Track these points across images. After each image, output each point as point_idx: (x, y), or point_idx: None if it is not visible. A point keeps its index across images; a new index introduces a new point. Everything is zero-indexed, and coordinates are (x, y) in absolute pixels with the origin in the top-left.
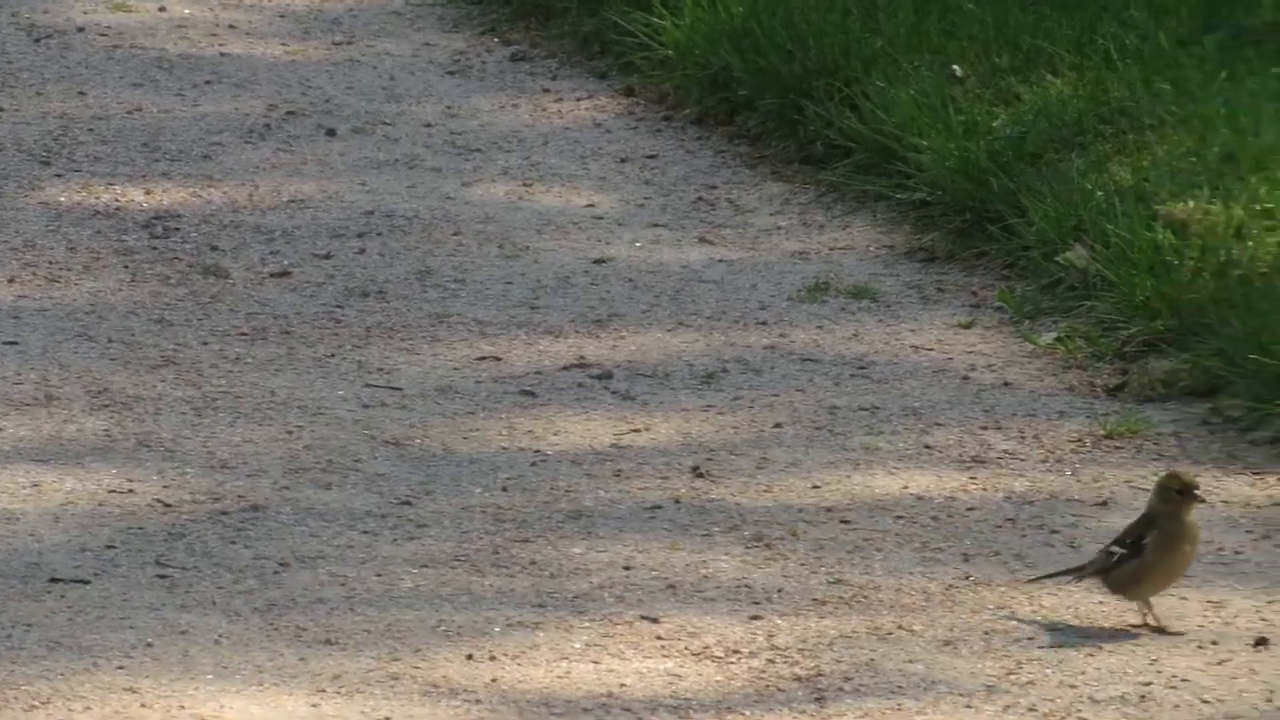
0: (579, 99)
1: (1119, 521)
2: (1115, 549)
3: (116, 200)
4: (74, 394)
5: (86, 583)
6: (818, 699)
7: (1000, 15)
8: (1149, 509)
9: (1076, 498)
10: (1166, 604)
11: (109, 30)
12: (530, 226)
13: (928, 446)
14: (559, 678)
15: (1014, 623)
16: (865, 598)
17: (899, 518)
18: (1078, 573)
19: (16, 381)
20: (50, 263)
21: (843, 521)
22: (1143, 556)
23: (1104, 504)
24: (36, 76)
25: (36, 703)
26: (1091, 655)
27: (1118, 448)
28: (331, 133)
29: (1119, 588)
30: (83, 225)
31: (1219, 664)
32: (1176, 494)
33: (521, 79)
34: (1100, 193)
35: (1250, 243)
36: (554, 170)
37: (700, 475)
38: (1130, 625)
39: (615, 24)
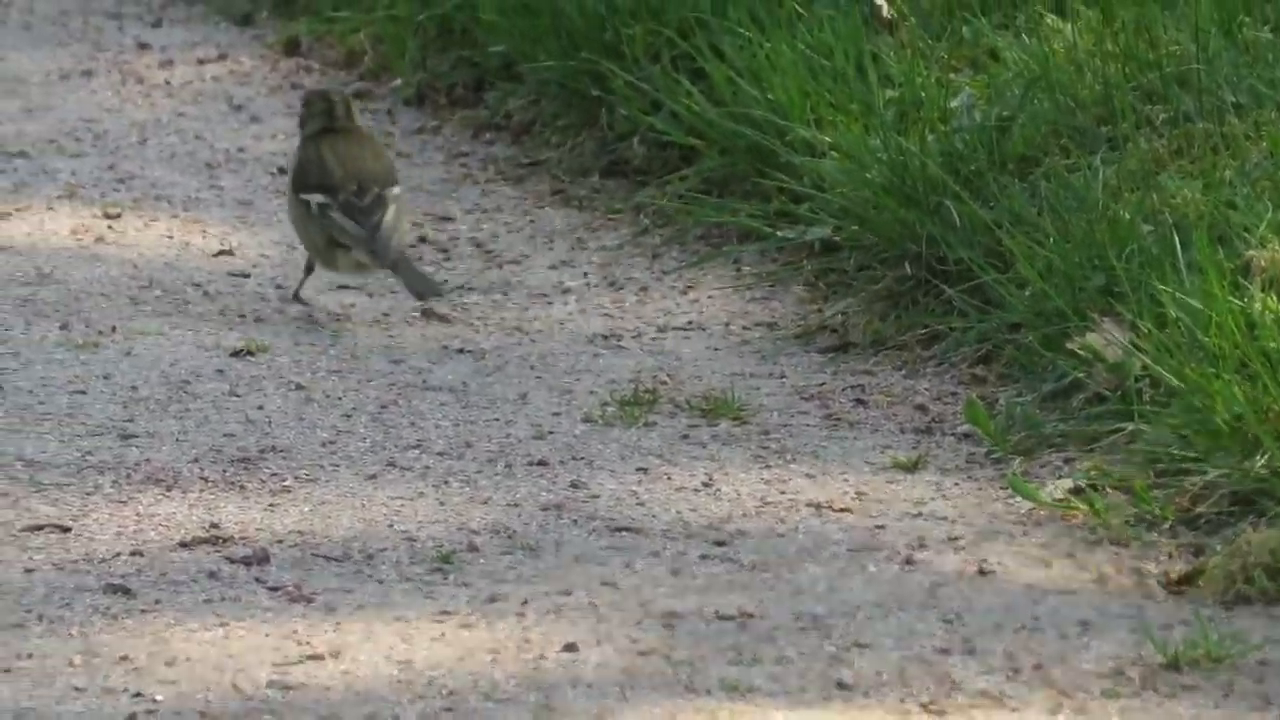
0: (201, 59)
1: None
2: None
3: None
4: None
5: None
6: None
7: None
8: None
9: None
10: None
11: None
12: (119, 292)
13: (842, 685)
14: None
15: None
16: None
17: None
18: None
19: None
20: None
21: None
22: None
23: None
24: None
25: None
26: None
27: (1189, 688)
28: None
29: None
30: None
31: None
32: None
33: (99, 23)
34: (1147, 226)
35: None
36: (157, 185)
37: None
38: None
39: None
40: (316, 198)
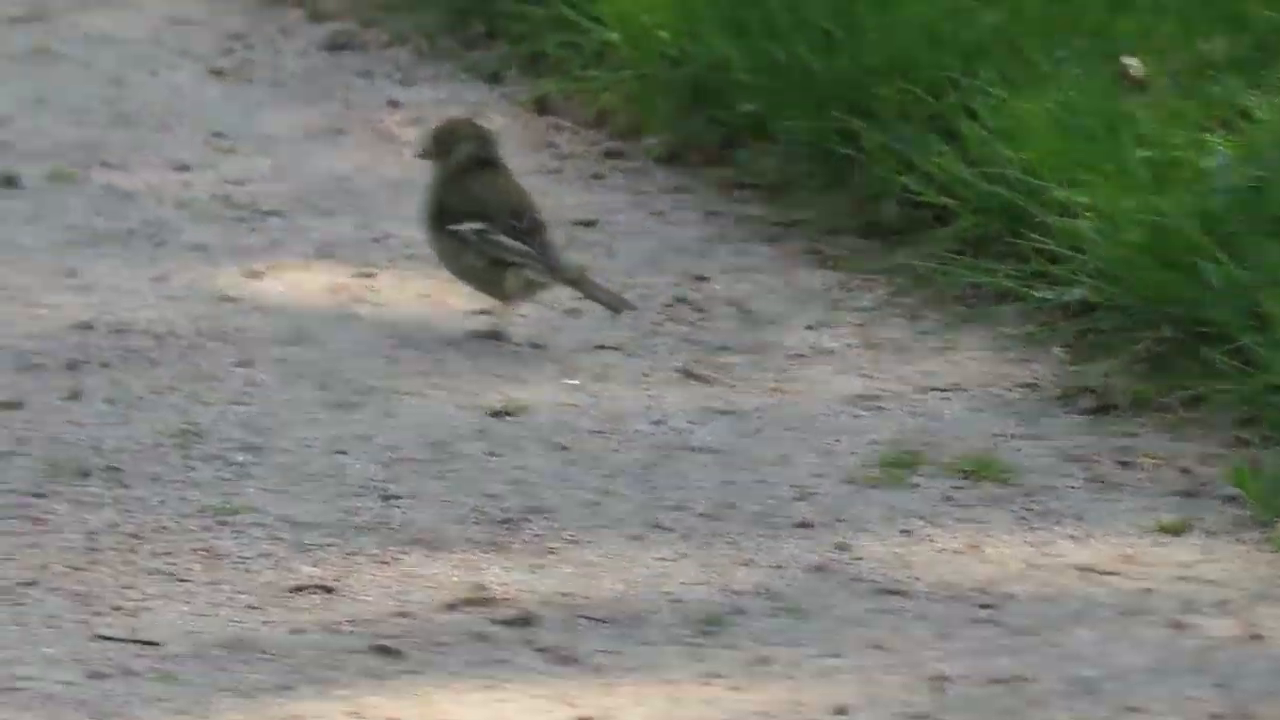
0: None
1: None
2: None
3: None
4: None
5: None
6: None
7: None
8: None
9: None
10: None
11: None
12: (375, 352)
13: None
14: None
15: None
16: None
17: None
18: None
19: None
20: None
21: None
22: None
23: None
24: None
25: None
26: None
27: None
28: (10, 181)
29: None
30: None
31: None
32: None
33: (348, 81)
34: None
35: None
36: (411, 244)
37: None
38: None
39: None
40: (472, 225)
